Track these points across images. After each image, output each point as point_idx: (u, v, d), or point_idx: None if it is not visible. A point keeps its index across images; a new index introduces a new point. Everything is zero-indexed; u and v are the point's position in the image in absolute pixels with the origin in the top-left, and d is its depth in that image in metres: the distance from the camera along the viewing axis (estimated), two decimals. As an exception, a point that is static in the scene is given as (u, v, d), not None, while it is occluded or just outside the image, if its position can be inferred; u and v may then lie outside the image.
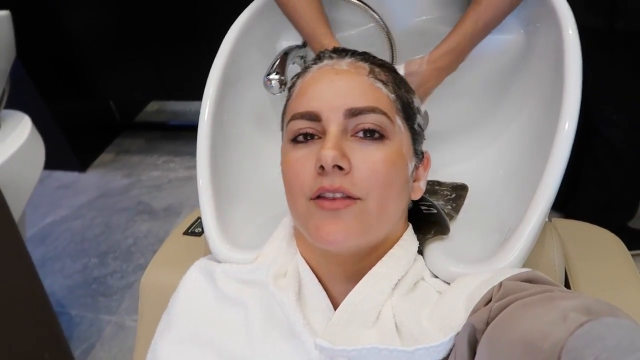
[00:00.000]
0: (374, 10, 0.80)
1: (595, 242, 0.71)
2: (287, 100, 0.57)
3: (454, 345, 0.43)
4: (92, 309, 1.63)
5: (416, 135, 0.55)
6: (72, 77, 2.17)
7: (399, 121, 0.52)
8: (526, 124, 0.71)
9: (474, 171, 0.72)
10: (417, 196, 0.56)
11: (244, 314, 0.54)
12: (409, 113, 0.54)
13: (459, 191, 0.67)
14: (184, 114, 2.59)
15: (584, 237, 0.72)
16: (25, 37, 1.45)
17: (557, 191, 0.54)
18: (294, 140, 0.51)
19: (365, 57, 0.56)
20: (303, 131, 0.50)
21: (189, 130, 2.43)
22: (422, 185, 0.57)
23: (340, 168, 0.47)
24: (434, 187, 0.71)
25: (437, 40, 0.76)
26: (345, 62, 0.54)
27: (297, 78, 0.57)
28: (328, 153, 0.46)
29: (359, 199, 0.48)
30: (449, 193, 0.68)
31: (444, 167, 0.74)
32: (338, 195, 0.47)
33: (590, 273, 0.66)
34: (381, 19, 0.81)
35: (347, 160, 0.47)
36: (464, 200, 0.66)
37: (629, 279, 0.65)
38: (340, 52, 0.56)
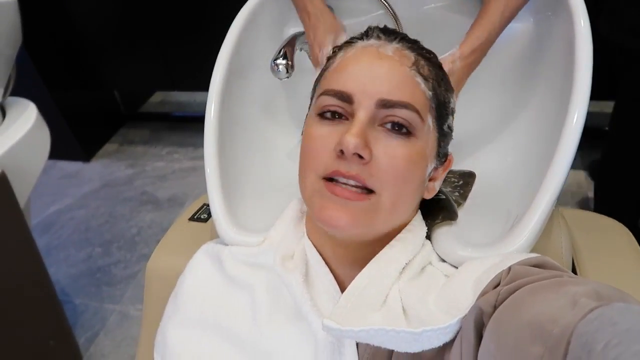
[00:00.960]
0: (381, -3, 0.79)
1: (604, 232, 0.71)
2: (324, 70, 0.55)
3: (460, 328, 0.43)
4: (96, 298, 1.64)
5: (443, 137, 0.54)
6: (77, 66, 2.17)
7: (429, 120, 0.51)
8: (535, 113, 0.71)
9: (482, 158, 0.71)
10: (430, 195, 0.56)
11: (250, 296, 0.54)
12: (442, 113, 0.53)
13: (467, 178, 0.67)
14: (189, 104, 2.59)
15: (592, 227, 0.71)
16: (32, 25, 1.45)
17: (565, 179, 0.53)
18: (321, 115, 0.50)
19: (413, 46, 0.54)
20: (332, 108, 0.50)
21: (194, 121, 2.43)
22: (436, 186, 0.56)
23: (360, 157, 0.46)
24: (441, 175, 0.70)
25: (446, 28, 0.76)
26: (392, 48, 0.52)
27: (339, 49, 0.55)
28: (351, 140, 0.45)
29: (372, 192, 0.47)
30: (456, 180, 0.68)
31: (454, 156, 0.74)
32: (351, 182, 0.47)
33: (598, 263, 0.66)
34: (390, 7, 0.80)
35: (369, 151, 0.47)
36: (471, 187, 0.66)
37: (636, 269, 0.64)
38: (390, 33, 0.54)
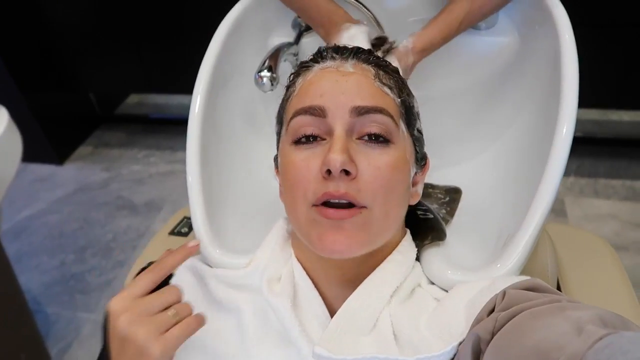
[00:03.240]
0: (368, 9, 0.79)
1: (587, 248, 0.72)
2: (285, 100, 0.55)
3: (455, 355, 0.43)
4: (70, 307, 1.59)
5: (417, 140, 0.54)
6: (50, 67, 2.10)
7: (402, 126, 0.51)
8: (522, 127, 0.71)
9: (469, 175, 0.71)
10: (414, 201, 0.55)
11: (237, 319, 0.52)
12: (410, 117, 0.53)
13: (453, 194, 0.67)
14: (166, 107, 2.54)
15: (576, 242, 0.72)
16: (3, 25, 1.40)
17: (555, 197, 0.53)
18: (297, 142, 0.49)
19: (369, 57, 0.54)
20: (308, 132, 0.49)
21: (171, 123, 2.38)
22: (419, 190, 0.56)
23: (347, 173, 0.45)
24: (427, 189, 0.70)
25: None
26: (350, 64, 0.52)
27: (297, 76, 0.54)
28: (337, 157, 0.44)
29: (364, 207, 0.46)
30: (442, 196, 0.67)
31: (438, 170, 0.73)
32: (343, 201, 0.46)
33: (582, 279, 0.66)
34: (375, 18, 0.79)
35: (355, 165, 0.46)
36: (458, 203, 0.65)
37: (619, 285, 0.65)
38: (343, 51, 0.54)
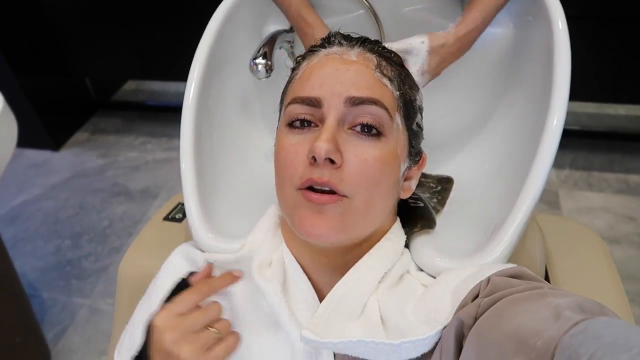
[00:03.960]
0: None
1: (576, 238, 0.72)
2: (289, 81, 0.55)
3: (439, 339, 0.44)
4: (65, 292, 1.60)
5: (414, 135, 0.54)
6: (46, 52, 2.09)
7: (398, 119, 0.51)
8: (514, 118, 0.71)
9: (460, 165, 0.72)
10: (406, 195, 0.56)
11: (227, 303, 0.53)
12: (409, 111, 0.53)
13: (445, 184, 0.67)
14: (163, 94, 2.54)
15: (565, 233, 0.73)
16: (-3, 8, 1.39)
17: (543, 187, 0.54)
18: (290, 125, 0.50)
19: (374, 47, 0.54)
20: (301, 116, 0.50)
21: (168, 110, 2.38)
22: (412, 185, 0.57)
23: (332, 162, 0.46)
24: (420, 178, 0.71)
25: (425, 30, 0.75)
26: (355, 53, 0.53)
27: (302, 59, 0.55)
28: (322, 145, 0.45)
29: (344, 196, 0.47)
30: (434, 185, 0.68)
31: (430, 161, 0.74)
32: (326, 189, 0.47)
33: (570, 268, 0.67)
34: (371, 7, 0.79)
35: (340, 155, 0.47)
36: (449, 193, 0.66)
37: (606, 275, 0.66)
38: (350, 39, 0.55)
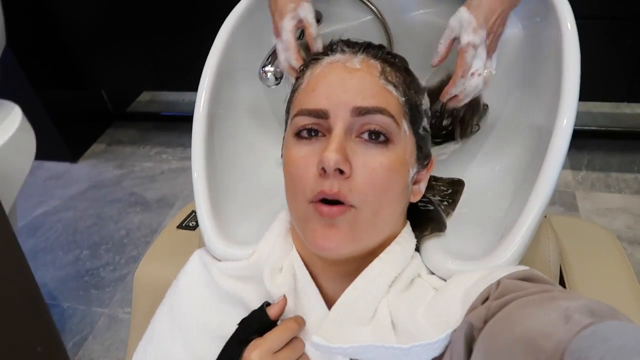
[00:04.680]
0: (372, 3, 0.79)
1: (591, 238, 0.71)
2: (294, 91, 0.56)
3: (450, 343, 0.43)
4: (85, 301, 1.62)
5: (421, 140, 0.54)
6: (63, 66, 2.14)
7: (405, 125, 0.51)
8: (523, 119, 0.71)
9: (470, 167, 0.71)
10: (416, 199, 0.56)
11: (243, 311, 0.54)
12: (415, 116, 0.53)
13: (455, 187, 0.67)
14: (177, 104, 2.57)
15: (580, 233, 0.72)
16: (16, 24, 1.43)
17: (554, 188, 0.54)
18: (298, 135, 0.51)
19: (378, 53, 0.54)
20: (308, 126, 0.50)
21: (182, 121, 2.41)
22: (422, 188, 0.57)
23: (342, 172, 0.46)
24: (430, 182, 0.70)
25: (436, 34, 0.75)
26: (358, 60, 0.52)
27: (306, 68, 0.56)
28: (331, 156, 0.45)
29: (352, 206, 0.47)
30: (445, 188, 0.68)
31: (440, 163, 0.74)
32: (336, 200, 0.47)
33: (585, 270, 0.66)
34: (379, 12, 0.80)
35: (349, 164, 0.47)
36: (460, 195, 0.66)
37: (623, 276, 0.65)
38: (353, 45, 0.55)
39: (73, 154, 2.26)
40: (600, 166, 1.85)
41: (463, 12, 0.63)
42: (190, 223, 0.81)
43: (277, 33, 0.70)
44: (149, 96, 2.67)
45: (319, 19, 0.84)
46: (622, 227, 1.63)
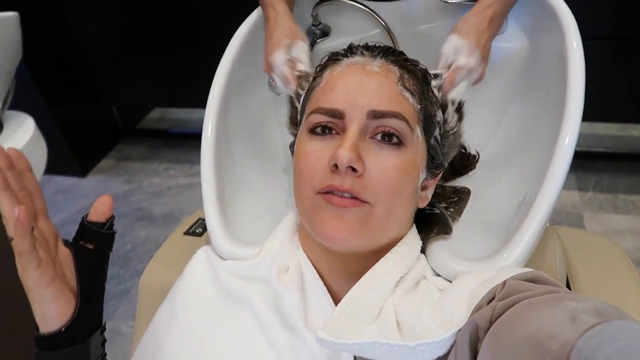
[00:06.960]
0: (380, 17, 0.81)
1: (598, 250, 0.71)
2: (311, 90, 0.56)
3: (454, 342, 0.43)
4: (88, 314, 1.61)
5: (432, 149, 0.55)
6: (76, 81, 2.18)
7: (418, 131, 0.52)
8: (529, 132, 0.71)
9: (476, 175, 0.71)
10: (423, 205, 0.57)
11: (249, 310, 0.54)
12: (429, 125, 0.54)
13: (462, 194, 0.67)
14: (187, 121, 2.60)
15: (587, 245, 0.71)
16: (32, 40, 1.46)
17: (558, 195, 0.54)
18: (312, 131, 0.51)
19: (397, 59, 0.55)
20: (322, 124, 0.51)
21: (191, 137, 2.43)
22: (429, 195, 0.57)
23: (354, 170, 0.47)
24: (436, 190, 0.71)
25: (440, 47, 0.77)
26: (377, 64, 0.53)
27: (325, 68, 0.56)
28: (345, 154, 0.46)
29: (367, 202, 0.48)
30: (451, 196, 0.68)
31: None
32: (347, 195, 0.48)
33: (593, 280, 0.66)
34: (387, 26, 0.81)
35: (362, 163, 0.48)
36: (466, 203, 0.66)
37: (631, 287, 0.64)
38: (373, 49, 0.56)
39: (82, 168, 2.29)
40: (608, 188, 1.85)
41: (454, 39, 0.62)
42: (197, 229, 0.81)
43: (267, 68, 0.68)
44: (159, 113, 2.71)
45: (327, 32, 0.86)
46: (630, 248, 1.62)
